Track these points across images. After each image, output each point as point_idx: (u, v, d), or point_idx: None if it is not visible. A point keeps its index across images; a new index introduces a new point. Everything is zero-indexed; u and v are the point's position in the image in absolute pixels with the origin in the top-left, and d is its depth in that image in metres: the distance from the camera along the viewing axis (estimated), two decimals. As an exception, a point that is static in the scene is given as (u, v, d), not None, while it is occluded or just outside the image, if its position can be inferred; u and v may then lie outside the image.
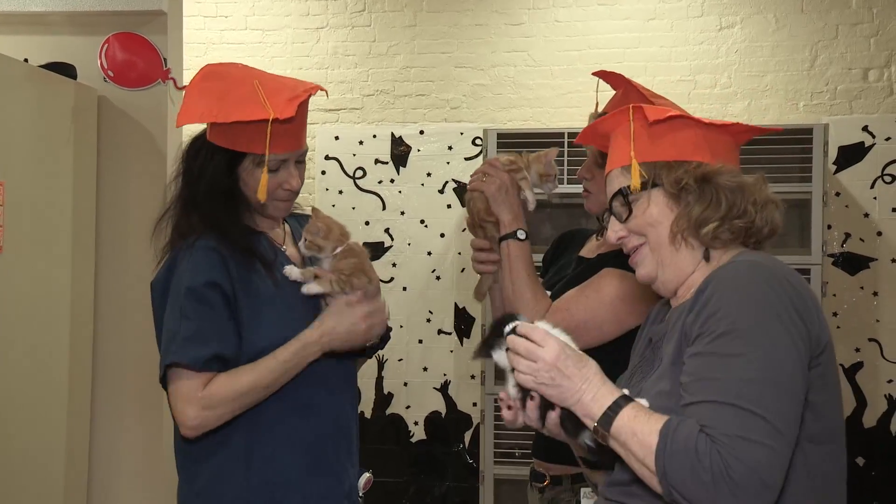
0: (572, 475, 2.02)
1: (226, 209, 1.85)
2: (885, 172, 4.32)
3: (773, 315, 1.36)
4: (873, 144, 4.31)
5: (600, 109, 2.12)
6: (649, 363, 1.56)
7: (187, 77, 3.59)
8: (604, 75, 2.14)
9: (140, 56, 3.47)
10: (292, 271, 1.86)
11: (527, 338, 1.45)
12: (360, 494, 1.99)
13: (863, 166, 4.33)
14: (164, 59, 3.48)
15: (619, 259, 1.98)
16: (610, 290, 1.92)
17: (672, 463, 1.32)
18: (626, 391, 1.44)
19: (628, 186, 1.52)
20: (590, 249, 2.21)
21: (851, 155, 4.34)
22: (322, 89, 1.87)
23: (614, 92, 2.11)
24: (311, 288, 1.85)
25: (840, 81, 4.42)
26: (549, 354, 1.43)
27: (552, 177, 2.08)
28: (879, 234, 4.34)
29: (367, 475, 2.00)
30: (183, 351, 1.76)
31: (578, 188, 2.21)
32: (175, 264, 1.84)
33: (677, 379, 1.41)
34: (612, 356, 1.84)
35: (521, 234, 2.03)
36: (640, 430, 1.36)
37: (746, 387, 1.33)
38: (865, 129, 4.32)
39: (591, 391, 1.42)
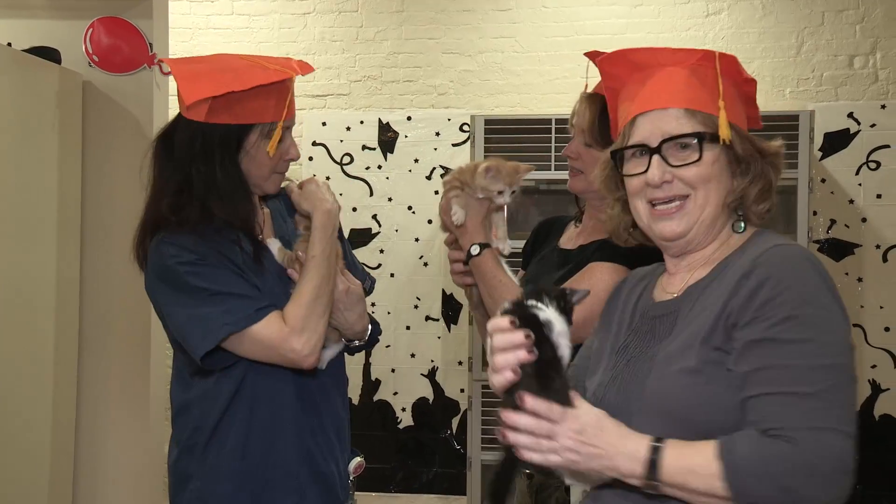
0: None
1: (244, 191, 1.85)
2: (869, 159, 4.35)
3: (830, 300, 1.32)
4: (858, 131, 4.34)
5: (589, 91, 2.12)
6: (645, 336, 1.47)
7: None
8: (594, 56, 2.14)
9: (125, 41, 3.45)
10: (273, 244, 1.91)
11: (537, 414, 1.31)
12: (351, 478, 2.00)
13: (848, 153, 4.36)
14: (150, 44, 3.46)
15: (602, 251, 1.99)
16: (601, 286, 1.92)
17: (747, 481, 1.24)
18: (651, 439, 1.30)
19: (707, 133, 1.40)
20: (569, 238, 2.20)
21: (837, 141, 4.36)
22: (306, 70, 1.89)
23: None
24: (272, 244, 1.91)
25: (826, 68, 4.43)
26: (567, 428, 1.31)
27: (494, 192, 2.06)
28: (864, 220, 4.37)
29: (357, 459, 2.01)
30: (231, 319, 1.75)
31: (566, 174, 2.21)
32: (157, 262, 1.82)
33: (707, 359, 1.33)
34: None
35: (475, 250, 2.04)
36: (695, 465, 1.26)
37: (818, 373, 1.27)
38: (851, 115, 4.34)
39: (615, 450, 1.31)
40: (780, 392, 1.26)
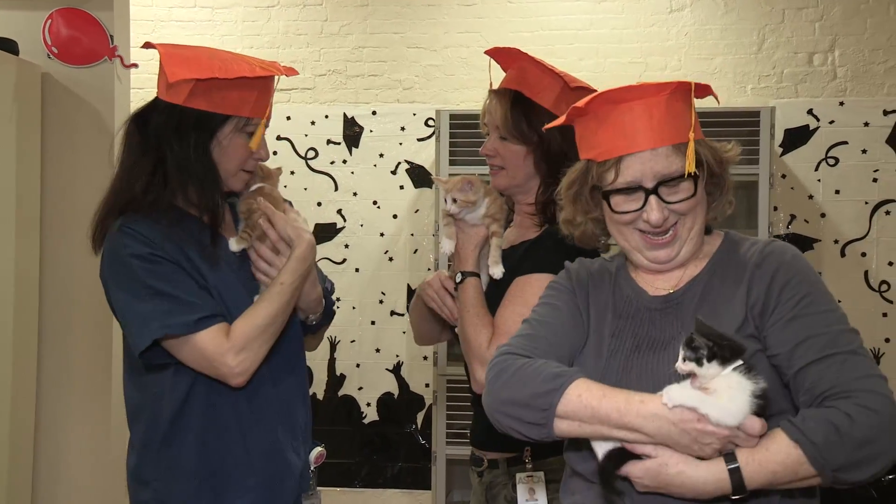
0: (507, 459, 2.05)
1: (214, 177, 1.84)
2: (828, 155, 4.42)
3: (820, 280, 1.51)
4: (818, 128, 4.40)
5: (495, 87, 2.14)
6: (643, 325, 1.56)
7: (135, 55, 3.54)
8: (496, 53, 2.17)
9: (85, 32, 3.40)
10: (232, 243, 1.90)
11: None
12: (312, 469, 1.99)
13: (807, 149, 4.43)
14: (111, 36, 3.41)
15: (528, 260, 1.98)
16: (534, 299, 1.92)
17: (828, 452, 1.34)
18: (723, 460, 1.39)
19: (692, 171, 1.49)
20: (506, 238, 2.16)
21: (797, 138, 4.42)
22: (292, 73, 1.91)
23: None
24: (232, 245, 1.89)
25: (786, 65, 4.50)
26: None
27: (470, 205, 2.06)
28: (823, 215, 4.44)
29: (318, 449, 2.00)
30: (170, 321, 1.74)
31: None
32: (112, 248, 1.81)
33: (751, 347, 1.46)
34: None
35: (458, 278, 2.04)
36: (775, 460, 1.36)
37: (845, 335, 1.44)
38: (810, 112, 4.41)
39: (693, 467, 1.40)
40: (823, 356, 1.40)
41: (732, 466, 1.36)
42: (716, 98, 1.59)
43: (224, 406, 1.84)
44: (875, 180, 4.40)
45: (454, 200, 2.02)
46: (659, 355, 1.50)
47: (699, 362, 1.36)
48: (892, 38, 4.43)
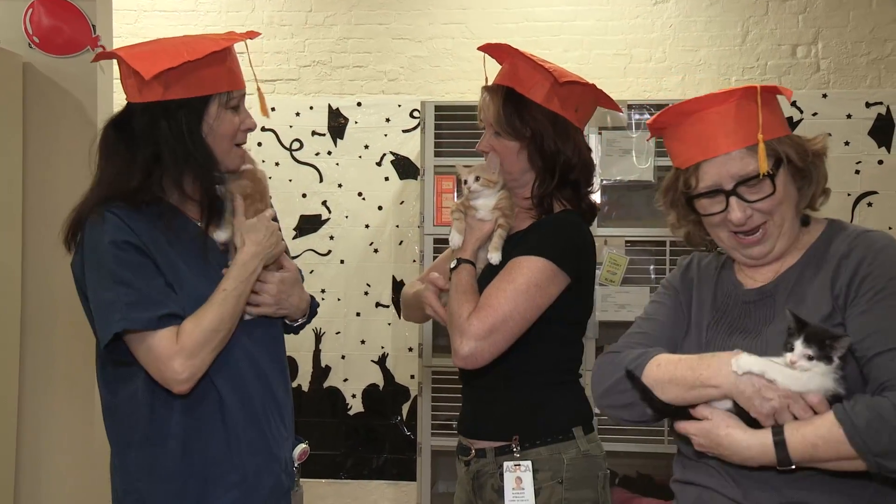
0: (496, 448, 2.06)
1: (214, 163, 1.85)
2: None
3: None
4: (801, 119, 4.43)
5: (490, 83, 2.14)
6: (738, 318, 1.65)
7: (118, 45, 3.50)
8: (489, 49, 2.19)
9: (67, 22, 3.37)
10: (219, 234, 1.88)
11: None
12: (296, 465, 1.99)
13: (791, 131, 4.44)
14: (93, 26, 3.38)
15: (525, 244, 2.02)
16: (522, 280, 1.97)
17: (868, 436, 1.40)
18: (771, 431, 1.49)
19: (768, 170, 1.58)
20: None
21: (780, 130, 4.44)
22: (253, 35, 1.91)
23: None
24: (219, 235, 1.88)
25: (770, 57, 4.52)
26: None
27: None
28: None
29: (302, 446, 2.00)
30: (132, 316, 1.72)
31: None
32: (88, 236, 1.79)
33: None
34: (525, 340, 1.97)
35: (453, 264, 2.09)
36: (818, 434, 1.44)
37: None
38: (794, 104, 4.43)
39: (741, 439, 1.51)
40: (889, 349, 1.46)
41: (778, 437, 1.46)
42: (786, 95, 1.67)
43: (203, 404, 1.82)
44: (857, 172, 4.43)
45: (476, 179, 2.06)
46: (749, 341, 1.60)
47: (829, 360, 1.46)
48: (875, 31, 4.45)
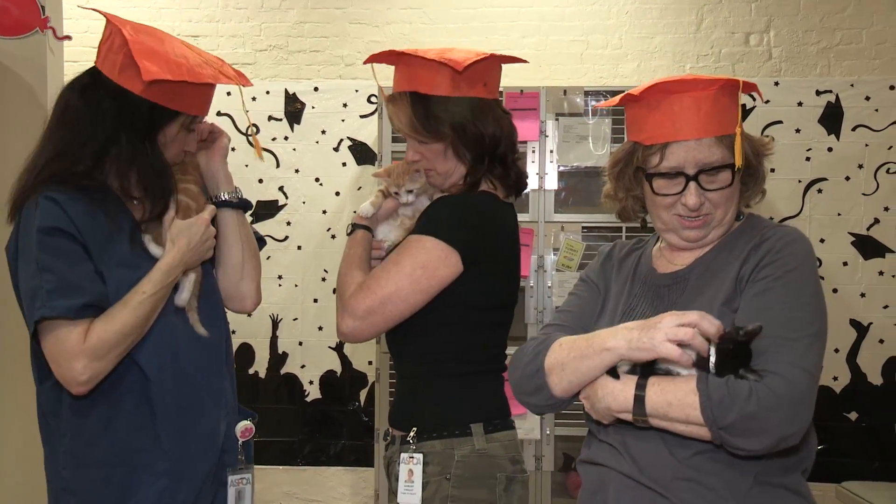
0: (400, 437, 2.06)
1: (167, 172, 1.87)
2: (764, 134, 4.51)
3: (809, 273, 1.59)
4: (754, 107, 4.49)
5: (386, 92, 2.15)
6: (652, 301, 1.69)
7: (68, 27, 3.44)
8: (378, 58, 2.17)
9: (14, 2, 3.29)
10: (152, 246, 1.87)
11: None
12: (240, 442, 1.95)
13: (744, 128, 4.50)
14: (42, 7, 3.30)
15: (427, 223, 2.00)
16: (408, 261, 1.95)
17: (717, 408, 1.45)
18: (636, 380, 1.55)
19: (741, 164, 1.64)
20: None
21: (734, 117, 4.50)
22: (246, 83, 1.97)
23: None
24: (152, 249, 1.88)
25: (724, 45, 4.57)
26: None
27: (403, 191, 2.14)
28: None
29: (245, 422, 1.96)
30: (52, 303, 1.68)
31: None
32: (23, 222, 1.77)
33: (728, 319, 1.55)
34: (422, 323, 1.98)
35: (348, 229, 2.18)
36: (674, 394, 1.49)
37: (801, 323, 1.53)
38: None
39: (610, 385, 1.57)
40: (767, 335, 1.48)
41: (640, 392, 1.52)
42: (760, 96, 1.74)
43: (135, 385, 1.80)
44: (808, 159, 4.51)
45: (409, 192, 2.09)
46: None
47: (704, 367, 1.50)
48: (825, 20, 4.53)
